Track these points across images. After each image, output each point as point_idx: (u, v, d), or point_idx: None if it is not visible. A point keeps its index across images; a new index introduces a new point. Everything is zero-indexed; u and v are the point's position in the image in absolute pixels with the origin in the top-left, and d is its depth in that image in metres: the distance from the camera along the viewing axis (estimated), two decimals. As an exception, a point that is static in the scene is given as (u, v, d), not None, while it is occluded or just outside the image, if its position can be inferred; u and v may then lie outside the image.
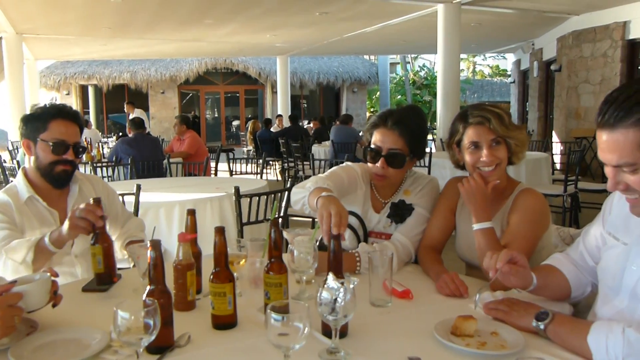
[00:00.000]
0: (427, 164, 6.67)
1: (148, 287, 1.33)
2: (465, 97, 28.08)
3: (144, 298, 1.25)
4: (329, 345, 1.32)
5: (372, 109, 26.39)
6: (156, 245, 1.33)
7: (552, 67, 12.17)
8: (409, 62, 29.25)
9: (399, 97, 27.63)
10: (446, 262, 2.05)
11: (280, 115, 16.00)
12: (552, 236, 2.13)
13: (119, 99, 19.92)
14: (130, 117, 9.23)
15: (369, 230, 2.17)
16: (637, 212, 1.33)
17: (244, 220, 3.41)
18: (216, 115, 23.11)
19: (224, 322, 1.46)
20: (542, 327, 1.38)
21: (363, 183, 2.21)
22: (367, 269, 1.77)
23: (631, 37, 9.91)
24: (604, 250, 1.53)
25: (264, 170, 8.30)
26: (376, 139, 2.10)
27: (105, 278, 1.85)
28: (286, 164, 10.20)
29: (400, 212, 2.11)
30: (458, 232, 2.13)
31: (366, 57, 24.28)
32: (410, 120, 2.09)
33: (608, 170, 1.29)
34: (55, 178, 2.17)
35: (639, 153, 1.22)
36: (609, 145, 1.26)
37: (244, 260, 1.72)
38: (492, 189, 2.00)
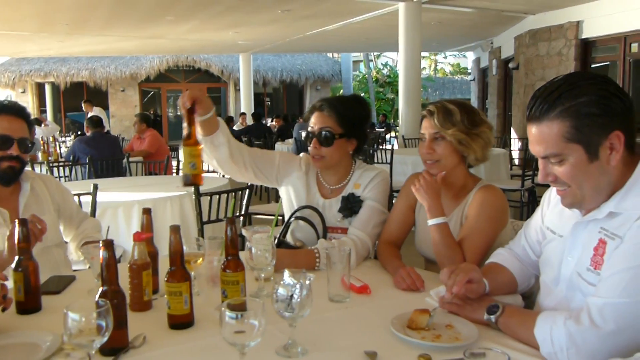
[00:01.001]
0: (389, 160, 6.74)
1: (101, 288, 1.31)
2: (428, 94, 28.45)
3: (96, 299, 1.23)
4: (286, 341, 1.32)
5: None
6: (108, 245, 1.30)
7: (510, 65, 12.43)
8: (372, 60, 29.42)
9: (362, 94, 27.79)
10: (407, 257, 2.08)
11: (243, 113, 15.91)
12: (510, 232, 2.18)
13: (78, 97, 19.41)
14: (89, 115, 9.02)
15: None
16: (566, 203, 1.39)
17: (205, 218, 3.38)
18: (179, 113, 22.76)
19: (180, 322, 1.45)
20: (493, 319, 1.42)
21: (304, 166, 2.26)
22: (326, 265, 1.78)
23: (584, 36, 10.20)
24: (544, 245, 1.59)
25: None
26: (311, 122, 2.16)
27: (27, 305, 1.62)
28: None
29: (350, 206, 2.14)
30: (417, 228, 2.16)
31: (329, 55, 24.34)
32: (341, 102, 2.16)
33: (539, 163, 1.35)
34: (0, 175, 2.10)
35: (564, 144, 1.28)
36: (536, 137, 1.33)
37: (201, 258, 1.71)
38: (450, 185, 2.04)
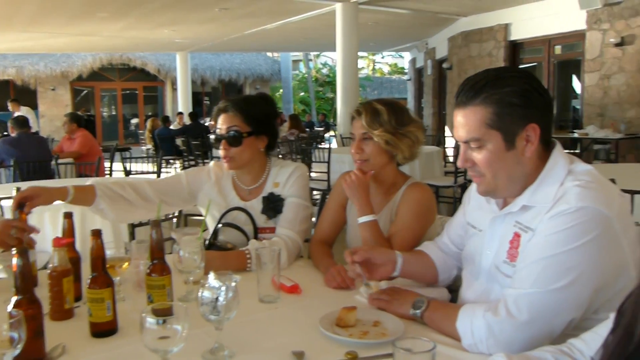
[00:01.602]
0: (327, 159, 6.78)
1: (15, 298, 1.25)
2: (366, 93, 28.81)
3: (9, 309, 1.17)
4: (212, 344, 1.31)
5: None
6: (22, 252, 1.25)
7: (444, 66, 12.79)
8: (311, 60, 29.54)
9: (302, 94, 27.86)
10: (339, 255, 2.09)
11: (180, 113, 15.60)
12: (438, 228, 2.24)
13: (4, 96, 18.46)
14: (15, 115, 8.59)
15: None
16: (481, 191, 1.45)
17: (136, 222, 3.29)
18: (113, 112, 22.10)
19: (103, 329, 1.40)
20: (418, 314, 1.45)
21: (213, 175, 2.25)
22: (258, 266, 1.78)
23: (512, 38, 10.64)
24: (466, 239, 1.64)
25: (163, 170, 8.06)
26: (219, 124, 2.14)
27: None
28: (187, 163, 9.96)
29: (273, 206, 2.13)
30: (348, 226, 2.19)
31: (269, 54, 24.26)
32: (245, 101, 2.16)
33: (460, 148, 1.41)
34: None
35: (484, 129, 1.34)
36: (460, 122, 1.39)
37: (127, 263, 1.66)
38: (380, 183, 2.08)
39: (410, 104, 18.30)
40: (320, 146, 7.98)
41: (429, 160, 6.57)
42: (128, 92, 21.95)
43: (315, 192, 6.28)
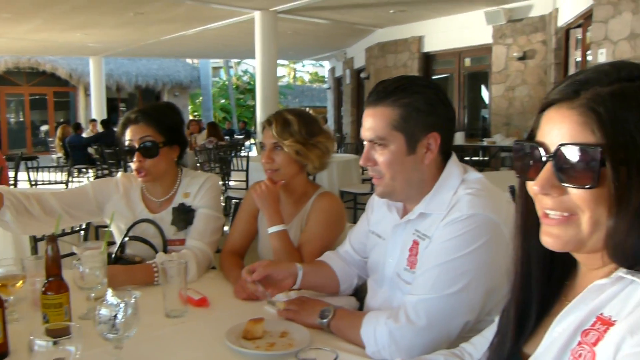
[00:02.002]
0: (245, 167, 6.74)
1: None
2: (287, 102, 28.94)
3: None
4: (112, 364, 1.26)
5: (194, 113, 25.94)
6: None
7: (362, 75, 13.09)
8: (232, 67, 29.31)
9: (223, 101, 27.56)
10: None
11: (93, 120, 14.98)
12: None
13: None
14: None
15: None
16: (379, 192, 1.50)
17: (39, 235, 3.11)
18: (21, 119, 20.85)
19: (-8, 353, 1.32)
20: (325, 323, 1.47)
21: (121, 187, 2.18)
22: (165, 280, 1.73)
23: (426, 50, 11.08)
24: (369, 248, 1.68)
25: (75, 179, 7.70)
26: (128, 137, 2.08)
27: None
28: (100, 172, 9.57)
29: (182, 217, 2.10)
30: (260, 236, 2.18)
31: (188, 60, 23.82)
32: (155, 111, 2.12)
33: (365, 147, 1.46)
34: None
35: (390, 130, 1.39)
36: (368, 120, 1.43)
37: (21, 281, 1.57)
38: (291, 193, 2.09)
39: (330, 112, 18.56)
40: (240, 154, 7.91)
41: (347, 168, 6.69)
42: (37, 97, 20.79)
43: (234, 201, 6.22)
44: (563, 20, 8.10)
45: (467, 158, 6.84)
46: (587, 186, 0.75)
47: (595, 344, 0.74)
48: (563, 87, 0.82)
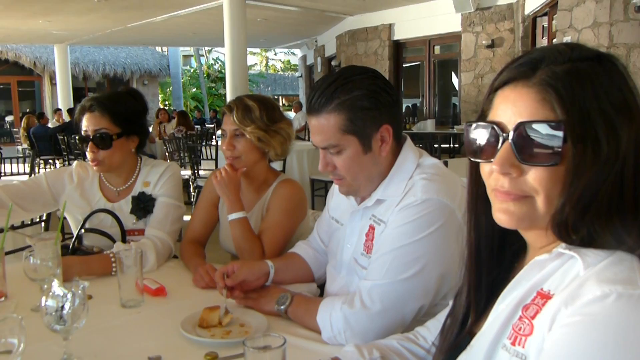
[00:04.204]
0: (214, 157, 6.68)
1: None
2: (260, 90, 28.75)
3: None
4: (61, 356, 1.24)
5: (165, 102, 25.59)
6: None
7: (333, 63, 13.07)
8: (202, 55, 28.94)
9: (194, 90, 27.22)
10: (214, 252, 2.06)
11: (59, 109, 14.65)
12: (310, 222, 2.27)
13: None
14: None
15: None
16: (343, 191, 1.49)
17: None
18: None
19: None
20: (282, 309, 1.46)
21: (75, 177, 2.14)
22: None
23: (396, 37, 11.10)
24: (330, 234, 1.68)
25: (41, 170, 7.53)
26: (83, 125, 2.04)
27: None
28: (67, 163, 9.38)
29: (142, 206, 2.06)
30: (221, 225, 2.16)
31: (158, 48, 23.43)
32: (112, 100, 2.07)
33: (320, 153, 1.43)
34: None
35: (340, 135, 1.37)
36: (316, 128, 1.40)
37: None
38: (252, 180, 2.07)
39: (303, 100, 18.49)
40: (210, 143, 7.83)
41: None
42: (1, 87, 20.24)
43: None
44: (530, 8, 8.20)
45: (436, 145, 6.88)
46: (551, 163, 0.74)
47: (534, 317, 0.75)
48: (517, 65, 0.81)
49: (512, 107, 0.79)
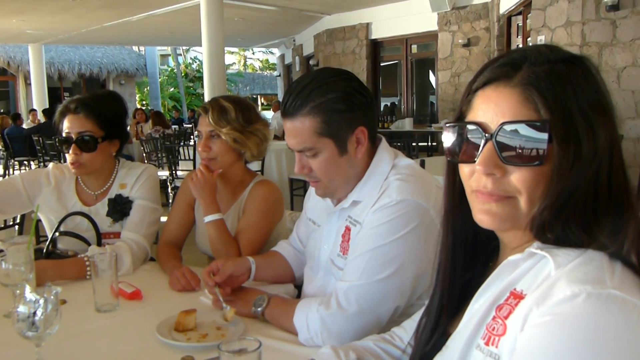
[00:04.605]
0: (192, 157, 6.63)
1: None
2: (238, 89, 28.62)
3: None
4: (34, 362, 1.22)
5: (142, 102, 25.32)
6: None
7: (311, 62, 13.06)
8: (180, 54, 28.69)
9: (172, 89, 26.98)
10: (191, 254, 2.04)
11: (33, 110, 14.41)
12: (287, 223, 2.27)
13: None
14: None
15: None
16: (319, 194, 1.50)
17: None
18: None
19: None
20: (259, 312, 1.46)
21: (52, 179, 2.10)
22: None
23: (373, 37, 11.14)
24: (308, 235, 1.68)
25: (16, 172, 7.40)
26: (65, 126, 2.01)
27: None
28: (42, 164, 9.23)
29: (119, 208, 2.05)
30: (197, 226, 2.15)
31: (134, 48, 23.15)
32: (97, 102, 2.04)
33: (296, 156, 1.43)
34: None
35: (316, 138, 1.37)
36: (291, 131, 1.39)
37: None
38: (228, 181, 2.06)
39: (281, 99, 18.45)
40: (188, 143, 7.77)
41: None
42: (-27, 87, 19.86)
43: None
44: (505, 7, 8.29)
45: (414, 144, 6.93)
46: (535, 163, 0.75)
47: (507, 317, 0.76)
48: (498, 65, 0.81)
49: (495, 107, 0.78)
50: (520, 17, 7.96)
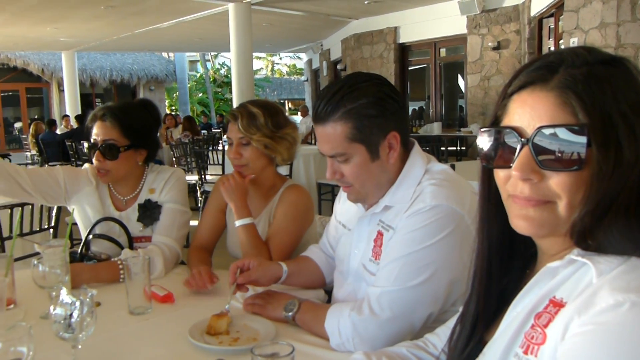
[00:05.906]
0: (221, 162, 6.69)
1: None
2: (266, 94, 28.80)
3: None
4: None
5: (171, 108, 25.68)
6: None
7: (339, 67, 13.06)
8: (209, 60, 29.05)
9: (200, 95, 27.32)
10: (222, 257, 2.05)
11: (66, 116, 14.74)
12: (317, 228, 2.27)
13: None
14: None
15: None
16: (352, 199, 1.49)
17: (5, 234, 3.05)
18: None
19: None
20: (290, 316, 1.45)
21: (93, 179, 2.13)
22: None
23: (401, 41, 11.09)
24: (338, 239, 1.67)
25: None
26: (94, 132, 2.04)
27: None
28: (75, 169, 9.42)
29: (149, 213, 2.06)
30: (228, 230, 2.16)
31: (164, 54, 23.51)
32: (125, 111, 2.07)
33: (327, 161, 1.43)
34: None
35: (347, 144, 1.36)
36: (323, 137, 1.39)
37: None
38: (259, 186, 2.07)
39: (308, 104, 18.51)
40: (217, 148, 7.85)
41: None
42: (10, 94, 20.37)
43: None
44: (536, 9, 8.17)
45: (443, 148, 6.87)
46: (574, 168, 0.73)
47: (546, 325, 0.74)
48: (533, 69, 0.79)
49: (531, 112, 0.77)
50: (552, 19, 7.84)
